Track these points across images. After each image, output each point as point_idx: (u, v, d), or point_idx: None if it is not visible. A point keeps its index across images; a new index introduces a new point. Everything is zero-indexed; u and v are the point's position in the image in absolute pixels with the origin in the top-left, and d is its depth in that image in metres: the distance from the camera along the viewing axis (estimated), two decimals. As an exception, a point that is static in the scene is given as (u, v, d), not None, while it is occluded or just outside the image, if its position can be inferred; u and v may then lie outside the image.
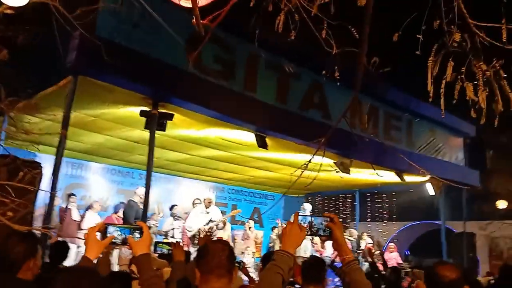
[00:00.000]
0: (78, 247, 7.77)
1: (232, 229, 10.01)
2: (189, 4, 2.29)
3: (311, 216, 1.81)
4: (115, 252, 7.61)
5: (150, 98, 5.54)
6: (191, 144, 7.61)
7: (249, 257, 9.59)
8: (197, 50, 2.56)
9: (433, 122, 10.10)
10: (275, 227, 11.06)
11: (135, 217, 7.50)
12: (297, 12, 2.08)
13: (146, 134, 6.50)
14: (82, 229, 7.89)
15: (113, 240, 1.78)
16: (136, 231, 1.78)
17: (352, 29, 2.10)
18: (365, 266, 8.37)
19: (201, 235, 7.66)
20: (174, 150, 8.09)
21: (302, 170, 2.75)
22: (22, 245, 1.92)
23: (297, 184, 11.49)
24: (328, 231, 1.82)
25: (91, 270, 1.29)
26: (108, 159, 9.44)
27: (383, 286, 5.46)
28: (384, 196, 12.60)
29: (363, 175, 9.46)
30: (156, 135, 5.60)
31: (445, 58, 1.85)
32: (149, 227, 7.54)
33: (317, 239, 10.19)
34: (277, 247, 10.34)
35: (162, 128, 5.54)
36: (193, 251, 6.69)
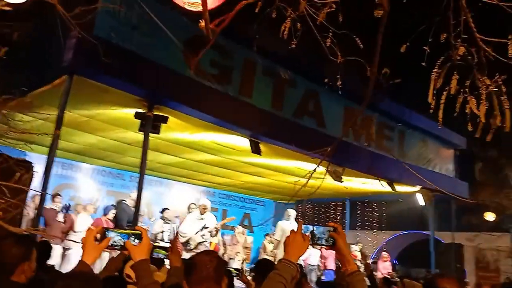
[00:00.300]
0: (67, 249, 7.66)
1: (222, 234, 9.96)
2: (195, 8, 2.27)
3: (313, 225, 1.79)
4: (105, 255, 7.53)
5: (145, 100, 5.50)
6: (184, 148, 7.57)
7: (239, 263, 9.54)
8: (199, 55, 2.53)
9: (425, 133, 10.20)
10: (268, 234, 11.04)
11: (127, 220, 7.44)
12: (301, 20, 2.08)
13: (139, 136, 6.45)
14: (75, 232, 7.76)
15: (113, 244, 1.74)
16: (133, 236, 1.75)
17: (357, 38, 2.11)
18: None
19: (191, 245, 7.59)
20: (167, 153, 8.04)
21: (307, 179, 2.73)
22: (17, 247, 1.87)
23: (291, 191, 11.45)
24: (332, 241, 1.81)
25: (91, 276, 1.26)
26: (99, 160, 9.36)
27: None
28: (374, 205, 12.66)
29: (354, 183, 9.50)
30: (149, 138, 5.56)
31: (448, 71, 1.87)
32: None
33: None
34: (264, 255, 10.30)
35: (156, 130, 5.51)
36: (186, 256, 6.63)
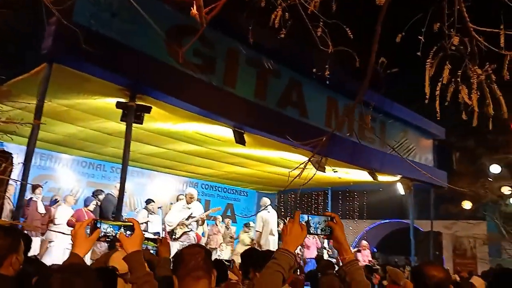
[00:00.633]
0: (49, 241, 7.53)
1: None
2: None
3: (308, 214, 1.79)
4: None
5: (127, 89, 5.38)
6: (167, 138, 7.49)
7: (223, 253, 9.57)
8: (188, 45, 2.48)
9: (405, 123, 10.35)
10: (246, 224, 11.06)
11: (113, 211, 7.38)
12: (290, 9, 2.06)
13: (121, 126, 6.34)
14: (56, 224, 7.64)
15: (105, 235, 1.70)
16: (125, 227, 1.72)
17: (347, 28, 2.10)
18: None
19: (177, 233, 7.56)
20: (149, 144, 7.94)
21: (301, 170, 2.73)
22: (5, 239, 1.82)
23: (274, 181, 11.53)
24: (329, 230, 1.82)
25: (85, 268, 1.23)
26: (79, 151, 9.19)
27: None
28: (356, 195, 12.83)
29: (337, 173, 9.58)
30: (132, 128, 5.47)
31: (441, 60, 1.88)
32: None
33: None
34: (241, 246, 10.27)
35: (140, 121, 5.41)
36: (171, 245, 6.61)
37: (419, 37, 1.82)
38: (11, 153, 4.04)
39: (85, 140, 8.07)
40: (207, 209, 9.93)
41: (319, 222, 1.81)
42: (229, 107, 6.25)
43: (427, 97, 1.96)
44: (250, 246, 9.56)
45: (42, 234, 7.71)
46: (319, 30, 2.04)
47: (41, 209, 7.71)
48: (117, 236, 1.70)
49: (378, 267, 9.17)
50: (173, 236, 7.56)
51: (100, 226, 1.70)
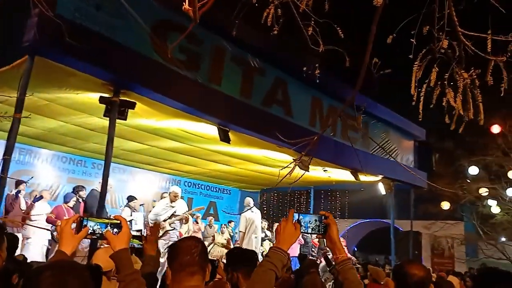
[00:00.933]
0: (26, 238, 7.37)
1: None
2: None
3: (298, 214, 1.80)
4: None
5: (111, 84, 5.29)
6: (150, 135, 7.41)
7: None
8: (177, 41, 2.45)
9: (387, 124, 10.49)
10: (232, 221, 11.07)
11: (97, 207, 7.31)
12: (282, 7, 2.06)
13: (103, 122, 6.25)
14: (32, 220, 7.49)
15: (91, 233, 1.67)
16: (112, 225, 1.69)
17: (338, 28, 2.11)
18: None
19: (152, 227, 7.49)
20: (132, 140, 7.84)
21: (292, 169, 2.73)
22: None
23: (257, 180, 11.51)
24: (323, 229, 1.83)
25: (77, 266, 1.20)
26: (60, 146, 9.02)
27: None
28: (338, 194, 12.96)
29: (319, 172, 9.65)
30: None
31: (427, 64, 1.91)
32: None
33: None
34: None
35: (123, 116, 5.34)
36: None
37: (411, 39, 1.84)
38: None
39: (66, 135, 7.92)
40: (190, 206, 9.88)
41: (309, 221, 1.81)
42: (214, 105, 6.22)
43: (414, 99, 1.99)
44: (225, 246, 9.57)
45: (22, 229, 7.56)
46: (310, 29, 2.05)
47: (23, 205, 7.57)
48: (104, 233, 1.67)
49: (359, 266, 9.28)
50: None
51: (87, 224, 1.67)
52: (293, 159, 8.40)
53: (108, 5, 5.00)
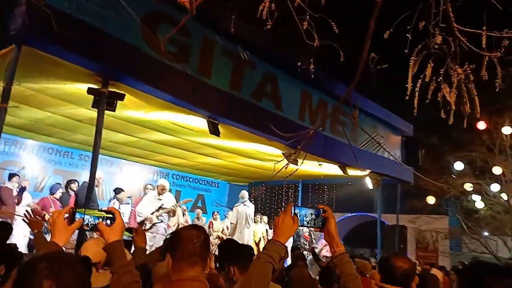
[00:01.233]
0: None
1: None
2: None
3: (294, 207, 1.81)
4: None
5: (100, 75, 5.23)
6: (139, 127, 7.35)
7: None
8: (171, 34, 2.43)
9: (376, 119, 10.56)
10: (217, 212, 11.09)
11: (85, 199, 7.30)
12: (277, 0, 2.05)
13: (91, 113, 6.17)
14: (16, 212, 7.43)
15: (85, 224, 1.66)
16: (106, 217, 1.68)
17: (332, 23, 2.11)
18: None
19: (146, 226, 7.48)
20: (120, 132, 7.77)
21: (287, 163, 2.74)
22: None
23: (246, 173, 11.51)
24: (321, 223, 1.85)
25: (72, 257, 1.19)
26: (46, 137, 8.90)
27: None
28: (326, 188, 13.05)
29: (308, 166, 9.70)
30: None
31: (423, 59, 1.93)
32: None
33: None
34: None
35: (112, 108, 5.28)
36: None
37: (407, 35, 1.85)
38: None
39: (53, 126, 7.81)
40: (178, 199, 9.85)
41: (305, 214, 1.83)
42: (204, 97, 6.19)
43: (408, 93, 2.01)
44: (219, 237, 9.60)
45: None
46: (305, 23, 2.04)
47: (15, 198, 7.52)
48: (97, 225, 1.66)
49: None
50: (143, 227, 7.48)
51: (83, 216, 1.66)
52: (282, 152, 8.43)
53: (97, -6, 4.93)
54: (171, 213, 7.90)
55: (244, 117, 6.73)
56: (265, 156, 8.79)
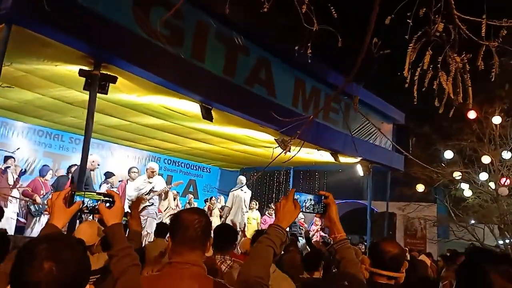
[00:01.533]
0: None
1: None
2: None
3: (296, 192, 1.81)
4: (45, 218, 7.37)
5: (91, 57, 5.14)
6: (131, 111, 7.28)
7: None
8: (167, 15, 2.38)
9: (368, 107, 10.59)
10: (207, 199, 11.13)
11: (85, 183, 7.34)
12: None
13: (82, 95, 6.10)
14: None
15: (84, 207, 1.65)
16: (104, 200, 1.67)
17: (332, 8, 2.09)
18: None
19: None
20: (111, 115, 7.69)
21: (288, 147, 2.74)
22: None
23: (238, 159, 11.52)
24: (322, 209, 1.86)
25: (72, 239, 1.18)
26: (36, 119, 8.78)
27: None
28: (317, 175, 13.12)
29: (299, 153, 9.71)
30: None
31: (422, 46, 1.92)
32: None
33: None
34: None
35: (104, 90, 5.22)
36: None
37: (408, 20, 1.84)
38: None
39: (43, 108, 7.71)
40: (169, 184, 9.83)
41: (304, 200, 1.84)
42: (197, 81, 6.14)
43: (407, 81, 2.00)
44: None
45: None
46: (304, 7, 2.02)
47: (11, 180, 7.43)
48: (96, 207, 1.65)
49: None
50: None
51: (83, 200, 1.65)
52: (274, 139, 8.44)
53: (89, -26, 4.82)
54: (163, 195, 7.90)
55: (238, 102, 6.70)
56: (257, 142, 8.80)
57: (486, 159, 11.03)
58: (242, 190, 9.83)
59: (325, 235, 11.81)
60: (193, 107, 6.56)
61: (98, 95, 5.24)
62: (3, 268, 1.39)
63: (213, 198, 11.02)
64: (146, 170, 8.13)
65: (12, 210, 7.34)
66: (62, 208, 1.60)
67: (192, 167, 12.74)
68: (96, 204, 1.66)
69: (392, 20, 1.94)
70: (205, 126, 7.70)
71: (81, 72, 5.22)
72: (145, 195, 7.62)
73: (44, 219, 7.47)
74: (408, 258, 7.15)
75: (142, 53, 5.42)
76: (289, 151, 8.39)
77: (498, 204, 11.11)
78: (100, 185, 8.76)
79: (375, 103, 10.70)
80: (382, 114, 11.21)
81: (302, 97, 8.48)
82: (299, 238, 10.17)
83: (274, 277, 2.63)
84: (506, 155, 10.90)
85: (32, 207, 7.38)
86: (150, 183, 7.73)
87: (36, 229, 7.36)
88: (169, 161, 12.11)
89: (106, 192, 1.72)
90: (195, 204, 10.96)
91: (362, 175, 11.34)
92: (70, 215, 1.63)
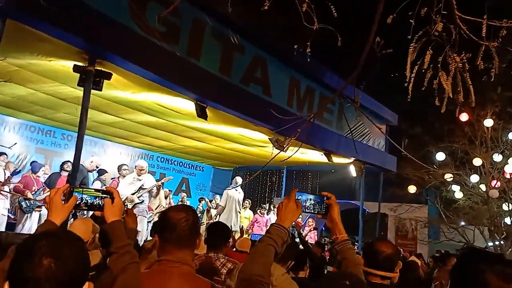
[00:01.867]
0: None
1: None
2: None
3: (297, 192, 1.81)
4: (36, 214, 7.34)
5: (86, 53, 5.10)
6: (125, 108, 7.24)
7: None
8: (166, 11, 2.36)
9: (362, 108, 10.61)
10: (203, 198, 11.10)
11: (81, 182, 7.34)
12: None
13: (75, 91, 6.05)
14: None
15: (84, 203, 1.63)
16: (102, 197, 1.65)
17: (332, 7, 2.09)
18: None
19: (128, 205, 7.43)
20: (105, 112, 7.64)
21: (284, 147, 2.74)
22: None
23: (231, 158, 11.49)
24: (325, 209, 1.85)
25: (72, 235, 1.17)
26: (28, 115, 8.69)
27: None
28: (310, 175, 13.15)
29: (291, 152, 9.71)
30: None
31: (423, 45, 1.93)
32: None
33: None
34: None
35: (99, 87, 5.17)
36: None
37: (410, 20, 1.85)
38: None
39: (35, 104, 7.63)
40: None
41: (305, 200, 1.84)
42: (192, 79, 6.12)
43: (407, 80, 2.01)
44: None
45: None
46: (305, 5, 2.02)
47: (1, 176, 7.33)
48: (95, 203, 1.64)
49: (329, 244, 9.54)
50: (124, 207, 7.43)
51: (81, 196, 1.63)
52: (269, 138, 8.43)
53: (85, -32, 4.77)
54: (154, 193, 7.86)
55: (233, 101, 6.69)
56: (251, 141, 8.79)
57: (477, 162, 11.12)
58: (236, 190, 9.84)
59: (315, 233, 11.86)
60: (187, 105, 6.54)
61: (92, 91, 5.19)
62: (1, 265, 1.37)
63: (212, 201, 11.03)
64: (135, 167, 8.08)
65: (3, 206, 7.25)
66: (60, 205, 1.59)
67: (185, 165, 12.69)
68: (94, 200, 1.65)
69: (391, 20, 1.95)
70: (199, 125, 7.67)
71: (76, 68, 5.17)
72: (136, 192, 7.58)
73: (35, 215, 7.39)
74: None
75: (137, 49, 5.38)
76: (284, 151, 8.40)
77: (488, 206, 11.21)
78: (93, 182, 8.69)
79: (368, 104, 10.75)
80: (375, 115, 11.26)
81: (296, 96, 8.49)
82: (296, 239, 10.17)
83: (283, 279, 2.63)
84: (497, 157, 11.00)
85: (23, 203, 7.30)
86: (140, 180, 7.69)
87: (27, 225, 7.28)
88: (162, 159, 12.06)
89: (104, 189, 1.71)
90: (188, 203, 10.93)
91: (355, 175, 11.38)
92: (68, 211, 1.61)
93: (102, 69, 5.27)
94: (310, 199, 1.85)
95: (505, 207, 11.12)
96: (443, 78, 1.94)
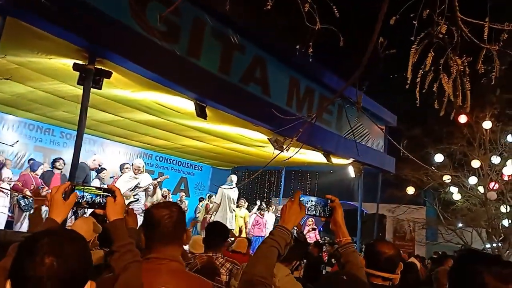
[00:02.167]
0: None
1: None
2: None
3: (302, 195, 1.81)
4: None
5: (86, 51, 5.09)
6: (124, 106, 7.22)
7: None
8: (168, 10, 2.36)
9: (362, 108, 10.60)
10: (203, 198, 11.09)
11: (84, 180, 7.32)
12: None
13: (75, 90, 6.04)
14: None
15: (84, 202, 1.63)
16: (104, 195, 1.65)
17: (334, 7, 2.09)
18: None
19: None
20: (104, 111, 7.62)
21: (284, 147, 2.73)
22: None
23: (230, 158, 11.50)
24: (328, 212, 1.86)
25: (74, 233, 1.16)
26: (27, 113, 8.67)
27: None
28: (308, 175, 13.15)
29: (292, 153, 9.71)
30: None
31: (424, 48, 1.93)
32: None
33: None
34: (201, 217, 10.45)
35: (98, 85, 5.16)
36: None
37: (413, 22, 1.85)
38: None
39: (35, 102, 7.62)
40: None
41: (307, 202, 1.84)
42: (192, 79, 6.12)
43: (408, 82, 2.01)
44: None
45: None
46: (307, 5, 2.02)
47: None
48: (96, 201, 1.63)
49: (327, 244, 9.55)
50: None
51: (83, 194, 1.63)
52: (268, 138, 8.41)
53: (86, -33, 4.76)
54: (150, 191, 7.86)
55: (233, 101, 6.69)
56: (250, 141, 8.79)
57: (475, 164, 11.15)
58: (231, 189, 9.84)
59: (315, 233, 11.87)
60: (187, 105, 6.53)
61: (92, 90, 5.18)
62: (2, 263, 1.36)
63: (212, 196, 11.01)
64: (132, 166, 8.08)
65: (2, 204, 7.24)
66: (61, 202, 1.59)
67: (183, 165, 12.68)
68: (95, 198, 1.65)
69: (395, 22, 1.95)
70: (198, 124, 7.67)
71: (75, 66, 5.16)
72: (130, 190, 7.58)
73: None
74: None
75: (137, 48, 5.38)
76: (283, 151, 8.38)
77: (486, 208, 11.24)
78: (92, 180, 8.68)
79: (368, 105, 10.74)
80: (374, 116, 11.25)
81: (296, 97, 8.49)
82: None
83: (286, 280, 2.64)
84: (495, 159, 11.03)
85: (22, 202, 7.29)
86: (136, 178, 7.69)
87: (26, 224, 7.27)
88: (161, 158, 12.04)
89: (107, 187, 1.71)
90: (186, 202, 10.93)
91: (354, 176, 11.39)
92: (69, 208, 1.61)
93: (102, 68, 5.26)
94: (312, 201, 1.85)
95: (503, 209, 11.15)
96: (444, 80, 1.94)
